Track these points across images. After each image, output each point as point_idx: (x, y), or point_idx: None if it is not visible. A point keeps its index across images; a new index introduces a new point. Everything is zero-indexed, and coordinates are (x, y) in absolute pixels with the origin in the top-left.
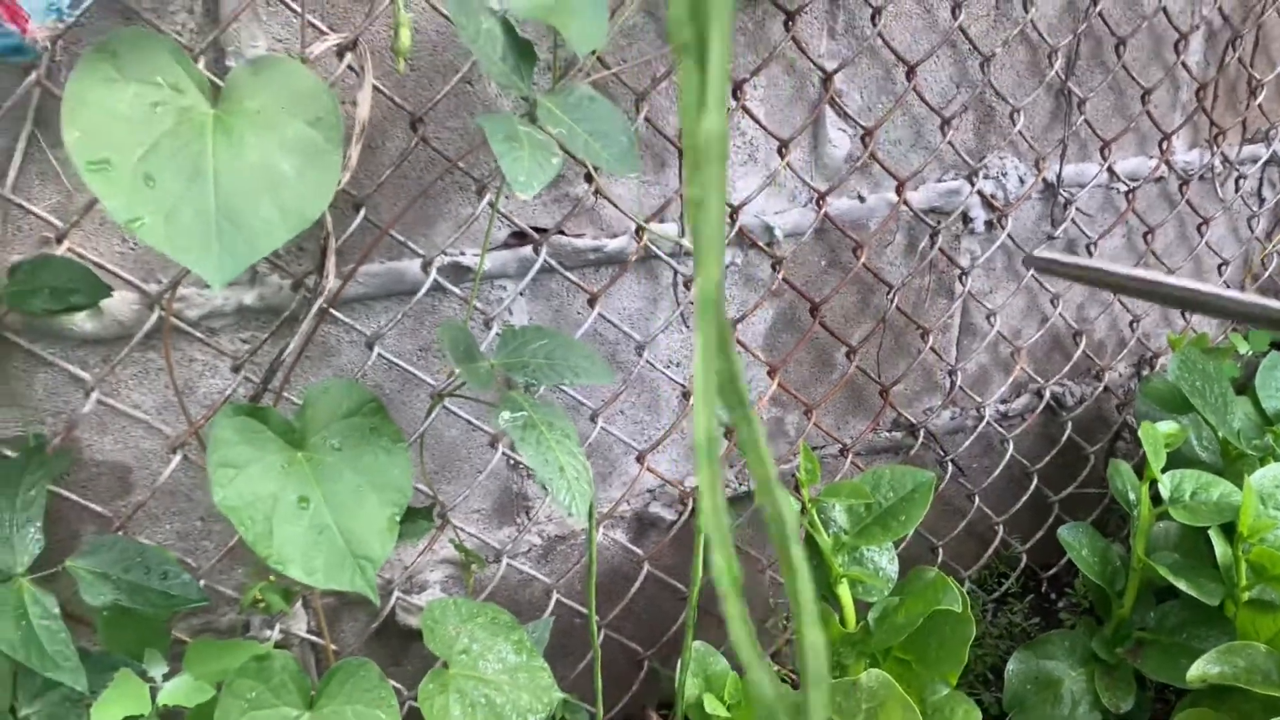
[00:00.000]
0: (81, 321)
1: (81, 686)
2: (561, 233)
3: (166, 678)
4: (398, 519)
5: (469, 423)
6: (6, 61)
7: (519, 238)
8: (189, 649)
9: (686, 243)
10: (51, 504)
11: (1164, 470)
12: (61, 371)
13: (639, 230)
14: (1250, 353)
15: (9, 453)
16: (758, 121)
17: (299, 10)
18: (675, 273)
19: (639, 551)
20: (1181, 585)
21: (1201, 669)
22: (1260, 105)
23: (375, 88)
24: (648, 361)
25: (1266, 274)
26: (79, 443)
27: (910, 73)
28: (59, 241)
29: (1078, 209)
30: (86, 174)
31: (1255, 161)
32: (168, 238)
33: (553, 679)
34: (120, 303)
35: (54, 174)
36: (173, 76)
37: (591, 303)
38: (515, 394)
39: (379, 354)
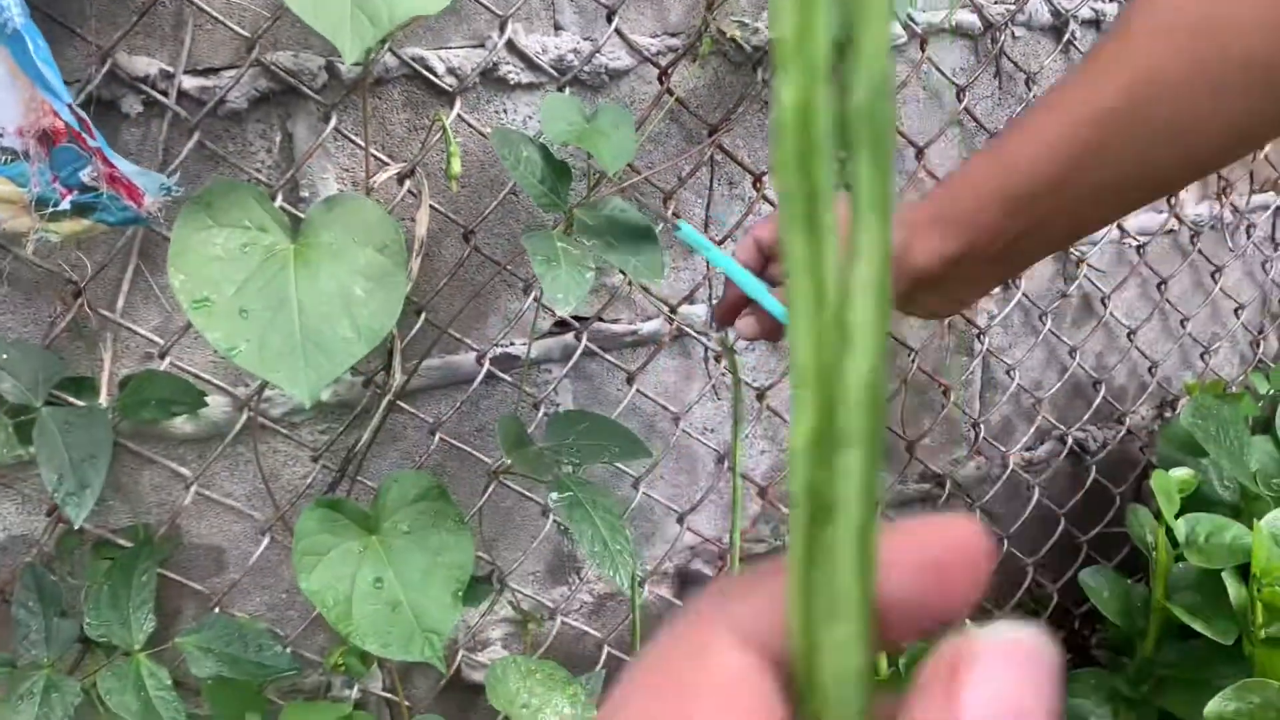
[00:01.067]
0: (181, 424)
1: None
2: (600, 320)
3: None
4: (460, 594)
5: (521, 495)
6: (126, 227)
7: (562, 326)
8: (284, 712)
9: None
10: (157, 584)
11: (1183, 512)
12: (164, 468)
13: (671, 313)
14: (1271, 391)
15: (123, 542)
16: (777, 208)
17: (363, 146)
18: (705, 349)
19: (681, 605)
20: (1198, 626)
21: (1218, 706)
22: (1267, 156)
23: (432, 207)
24: (684, 430)
25: None
26: (180, 530)
27: (920, 153)
28: (161, 357)
29: (1090, 265)
30: (190, 312)
31: (1266, 209)
32: (261, 363)
33: None
34: (213, 406)
35: (155, 298)
36: (257, 218)
37: (630, 381)
38: (564, 478)
39: (440, 438)
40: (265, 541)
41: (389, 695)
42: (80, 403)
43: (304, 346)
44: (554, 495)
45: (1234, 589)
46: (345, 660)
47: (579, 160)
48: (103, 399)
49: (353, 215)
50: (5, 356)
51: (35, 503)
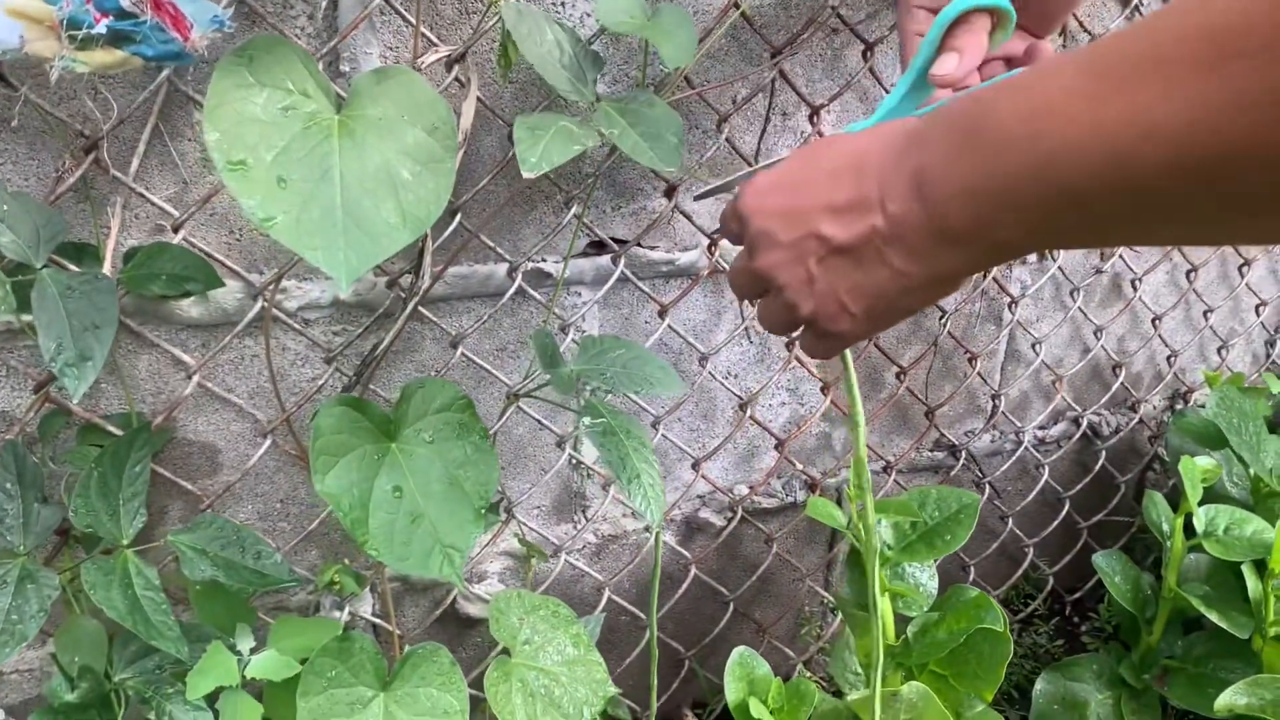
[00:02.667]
0: (188, 307)
1: (184, 655)
2: (639, 244)
3: (252, 651)
4: (483, 512)
5: (538, 422)
6: (165, 64)
7: (598, 247)
8: (275, 625)
9: None
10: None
11: (1199, 504)
12: (165, 354)
13: (711, 245)
14: None
15: (113, 429)
16: None
17: (413, 21)
18: None
19: (687, 554)
20: (1213, 617)
21: (1229, 699)
22: None
23: (478, 99)
24: (709, 373)
25: None
26: (174, 423)
27: None
28: (175, 230)
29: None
30: (225, 173)
31: None
32: (298, 237)
33: (607, 674)
34: (225, 291)
35: (172, 164)
36: (301, 82)
37: (662, 314)
38: (596, 401)
39: (461, 353)
40: (266, 444)
41: (379, 620)
42: (81, 270)
43: (345, 225)
44: (587, 420)
45: (1252, 583)
46: (341, 578)
47: (628, 69)
48: (106, 268)
49: (403, 91)
50: (5, 208)
51: (20, 376)
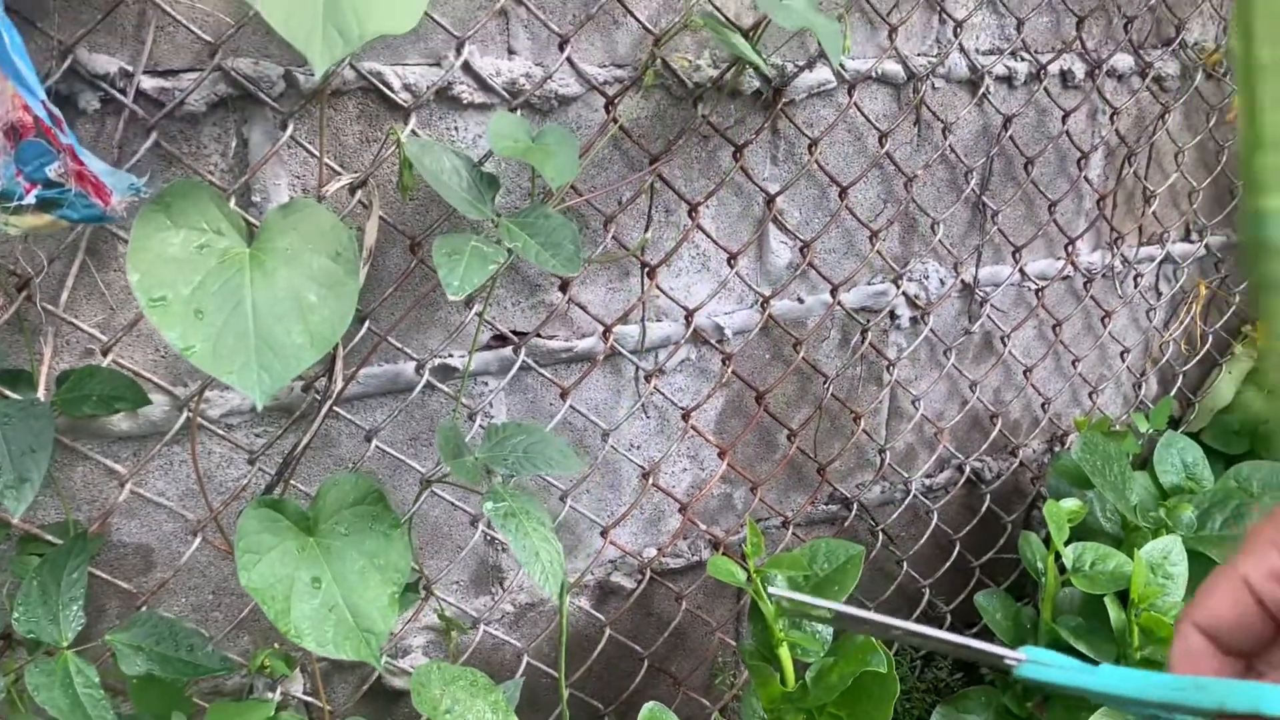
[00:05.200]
0: (118, 421)
1: None
2: (539, 335)
3: None
4: (398, 596)
5: (452, 504)
6: (90, 224)
7: (500, 340)
8: (210, 710)
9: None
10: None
11: (1069, 542)
12: (98, 465)
13: (606, 332)
14: (1150, 430)
15: (50, 538)
16: (709, 236)
17: (317, 154)
18: (636, 368)
19: (601, 617)
20: (1080, 646)
21: None
22: (1154, 212)
23: (381, 218)
24: (612, 446)
25: (1164, 359)
26: (109, 527)
27: (843, 193)
28: (104, 354)
29: (993, 306)
30: (147, 309)
31: (1151, 261)
32: (216, 363)
33: None
34: (153, 405)
35: (99, 294)
36: (215, 221)
37: (563, 396)
38: (499, 487)
39: (375, 445)
40: (196, 542)
41: (310, 699)
42: (17, 396)
43: (258, 349)
44: (489, 504)
45: (1114, 613)
46: (271, 662)
47: (520, 181)
48: (40, 393)
49: (308, 222)
50: None
51: None
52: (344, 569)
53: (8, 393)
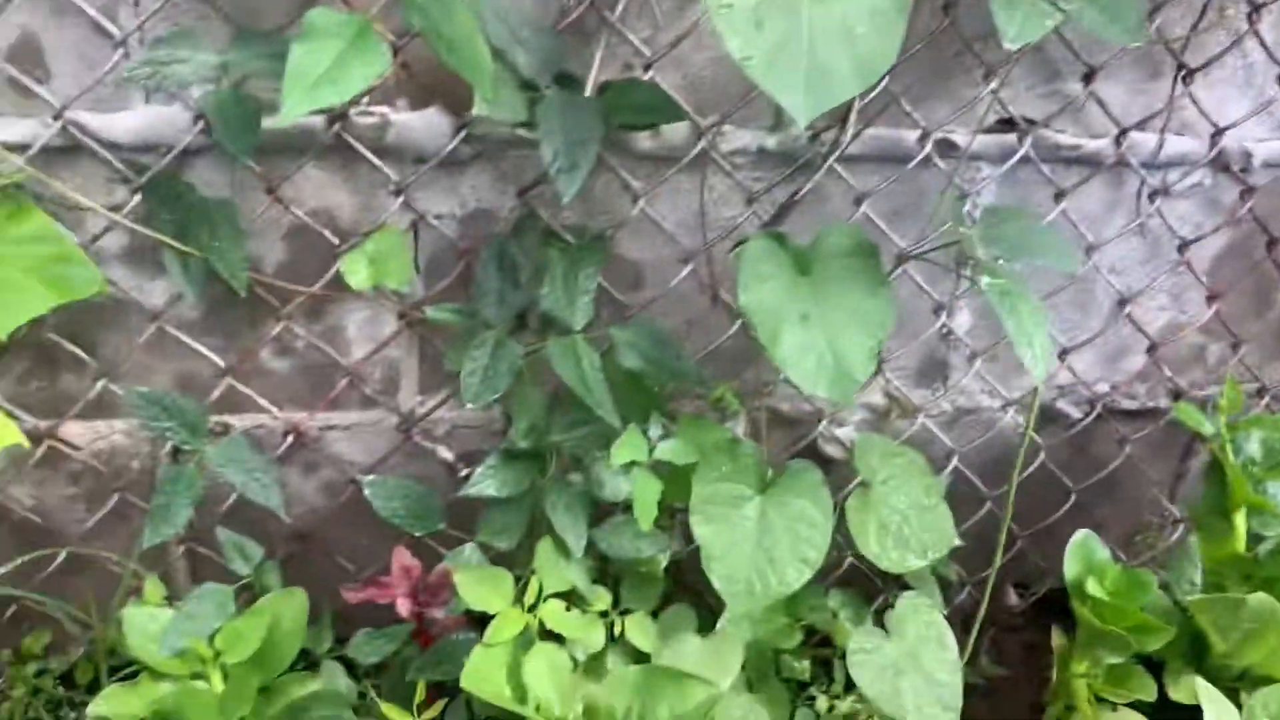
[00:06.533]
0: (642, 140)
1: (617, 425)
2: (1047, 126)
3: (659, 438)
4: (876, 350)
5: (919, 287)
6: None
7: (1007, 125)
8: (683, 421)
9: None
10: None
11: None
12: (615, 178)
13: (1120, 135)
14: None
15: (568, 237)
16: (1265, 46)
17: None
18: (1142, 183)
19: (1038, 440)
20: None
21: None
22: None
23: None
24: (1094, 265)
25: None
26: (612, 239)
27: None
28: (645, 69)
29: None
30: (715, 13)
31: None
32: (768, 76)
33: (953, 526)
34: (674, 128)
35: (649, 10)
36: None
37: (1058, 197)
38: (992, 265)
39: (863, 211)
40: (685, 270)
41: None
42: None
43: (807, 70)
44: (987, 278)
45: None
46: (727, 398)
47: None
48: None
49: None
50: (524, 34)
51: (509, 180)
52: (830, 312)
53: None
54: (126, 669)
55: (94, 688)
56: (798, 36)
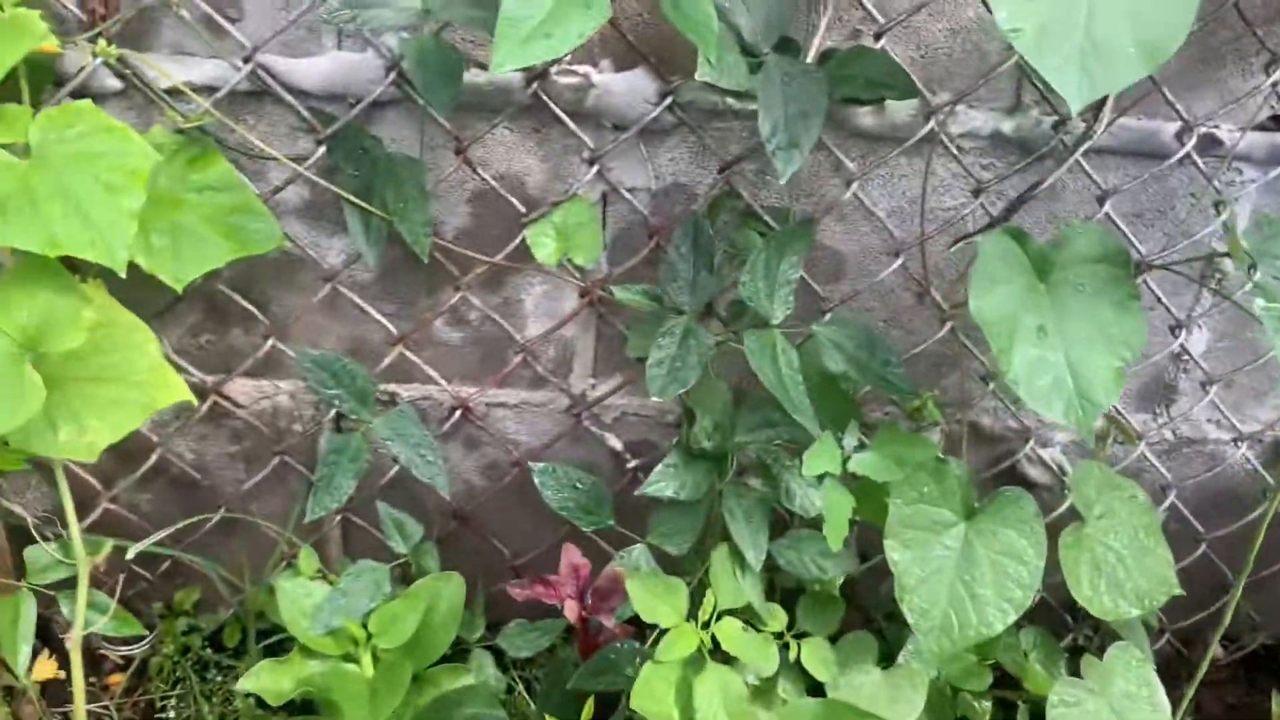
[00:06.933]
0: (862, 116)
1: (816, 432)
2: None
3: (855, 449)
4: (1122, 373)
5: (1157, 299)
6: None
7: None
8: (881, 430)
9: None
10: None
11: None
12: (829, 157)
13: None
14: None
15: (770, 221)
16: None
17: None
18: None
19: (1270, 479)
20: None
21: None
22: None
23: None
24: None
25: None
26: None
27: None
28: (876, 38)
29: None
30: None
31: None
32: (1037, 49)
33: (1174, 573)
34: (899, 105)
35: None
36: None
37: None
38: (1267, 283)
39: (1106, 211)
40: (895, 263)
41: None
42: None
43: (1083, 48)
44: (1261, 301)
45: None
46: (930, 407)
47: None
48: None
49: None
50: None
51: (710, 154)
52: (1072, 327)
53: None
54: (274, 635)
55: (239, 652)
56: (1075, 7)
